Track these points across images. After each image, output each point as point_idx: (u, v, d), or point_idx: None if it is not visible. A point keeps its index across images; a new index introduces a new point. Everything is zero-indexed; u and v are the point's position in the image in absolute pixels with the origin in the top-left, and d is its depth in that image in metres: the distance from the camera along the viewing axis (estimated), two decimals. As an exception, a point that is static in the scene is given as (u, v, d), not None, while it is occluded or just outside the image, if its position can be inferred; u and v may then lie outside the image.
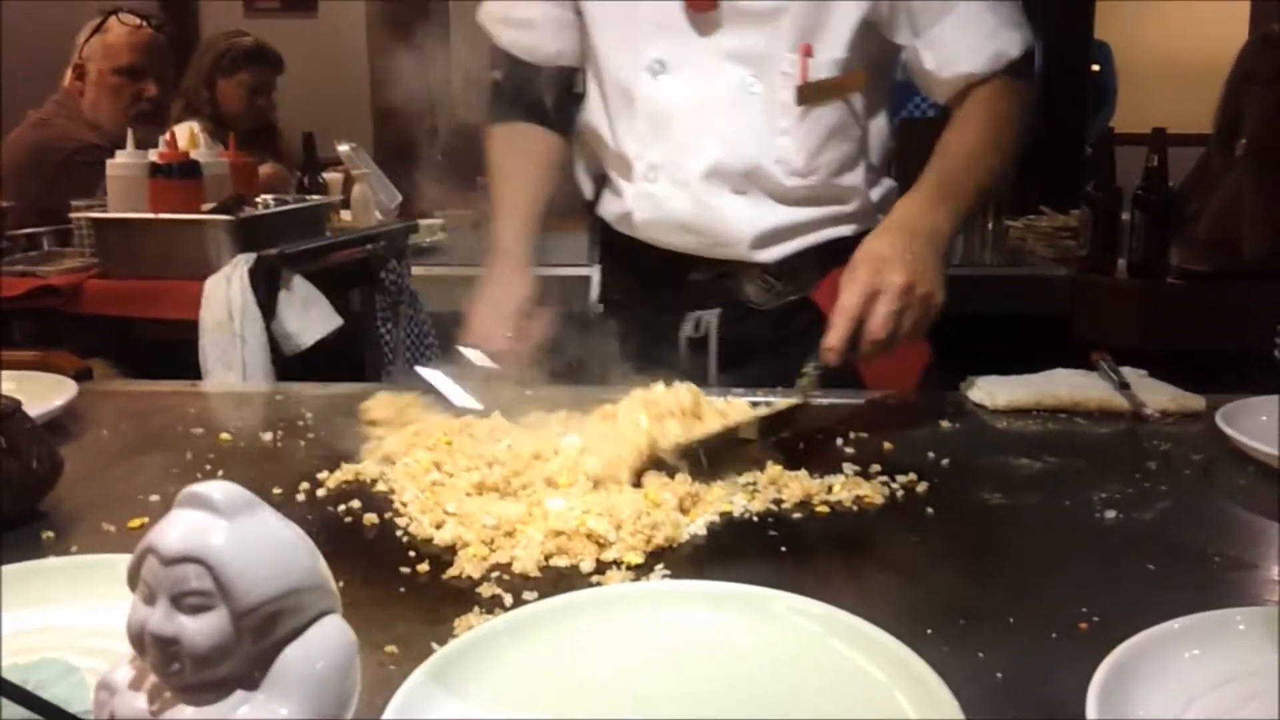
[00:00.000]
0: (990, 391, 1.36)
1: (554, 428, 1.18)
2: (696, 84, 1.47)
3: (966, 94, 1.47)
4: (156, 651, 0.53)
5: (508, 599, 0.84)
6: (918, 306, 1.24)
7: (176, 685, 0.54)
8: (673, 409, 1.12)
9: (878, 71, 1.52)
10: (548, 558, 0.91)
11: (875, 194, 1.56)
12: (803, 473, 1.09)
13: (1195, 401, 1.32)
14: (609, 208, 1.63)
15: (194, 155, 2.49)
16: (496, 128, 1.63)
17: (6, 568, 0.83)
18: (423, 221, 3.54)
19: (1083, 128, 4.18)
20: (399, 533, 0.98)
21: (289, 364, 2.35)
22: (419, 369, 1.34)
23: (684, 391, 1.16)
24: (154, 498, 1.06)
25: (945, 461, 1.15)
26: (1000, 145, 1.45)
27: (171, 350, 2.31)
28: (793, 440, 1.19)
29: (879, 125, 1.55)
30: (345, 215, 3.30)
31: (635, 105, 1.51)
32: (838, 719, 0.65)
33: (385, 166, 3.69)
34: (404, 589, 0.87)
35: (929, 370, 1.49)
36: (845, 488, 1.07)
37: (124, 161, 2.47)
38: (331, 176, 3.50)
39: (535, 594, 0.84)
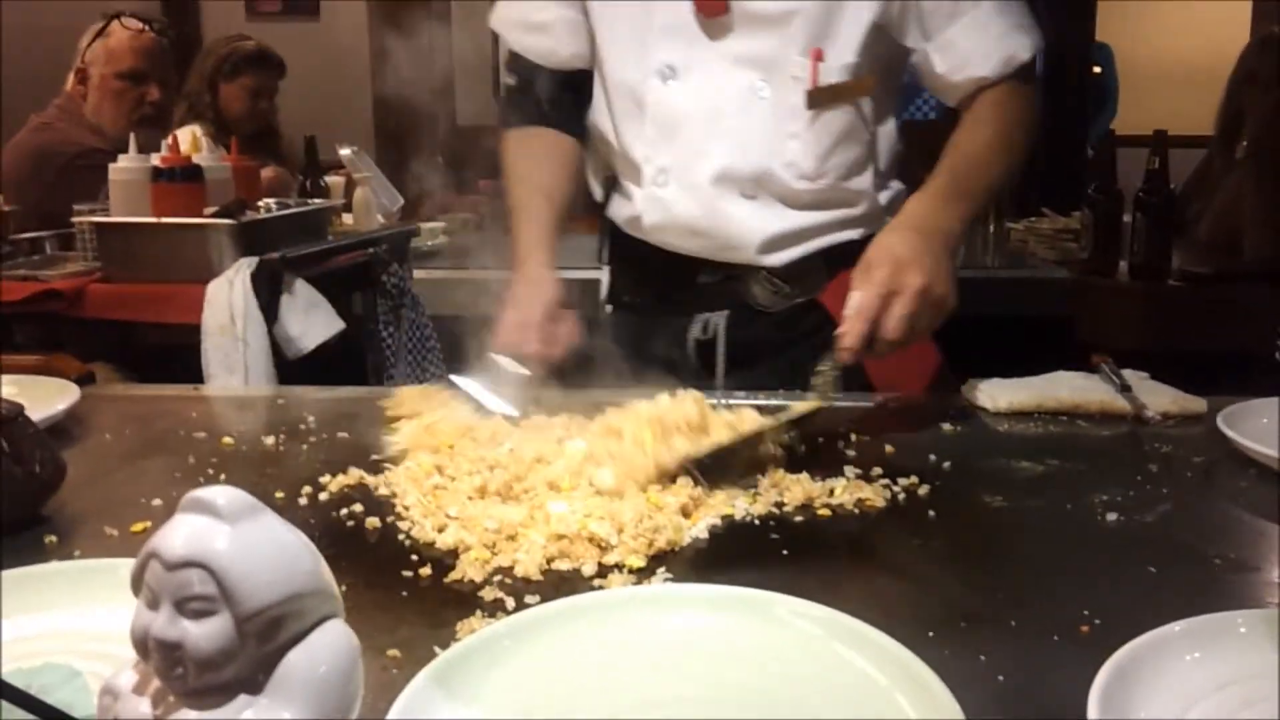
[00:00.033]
0: (992, 394, 1.36)
1: (556, 430, 1.18)
2: (706, 89, 1.47)
3: (975, 96, 1.48)
4: (160, 656, 0.53)
5: (510, 602, 0.84)
6: (932, 308, 1.25)
7: (180, 690, 0.54)
8: (679, 424, 1.11)
9: (886, 75, 1.52)
10: (549, 561, 0.91)
11: (883, 197, 1.56)
12: (804, 476, 1.09)
13: (1196, 404, 1.32)
14: (618, 210, 1.64)
15: (196, 159, 2.49)
16: (512, 133, 1.62)
17: (10, 572, 0.83)
18: (424, 225, 3.54)
19: (1084, 130, 4.18)
20: (401, 536, 0.99)
21: (291, 367, 2.35)
22: (454, 378, 1.32)
23: (689, 404, 1.14)
24: (156, 502, 1.06)
25: (947, 464, 1.15)
26: (1009, 148, 1.46)
27: (174, 354, 2.32)
28: (795, 443, 1.19)
29: (887, 129, 1.56)
30: (347, 219, 3.31)
31: (644, 110, 1.51)
32: (839, 722, 0.65)
33: (387, 170, 3.69)
34: (406, 593, 0.88)
35: (938, 373, 1.49)
36: (847, 491, 1.07)
37: (126, 165, 2.48)
38: (333, 180, 3.51)
39: (537, 597, 0.85)
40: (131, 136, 2.57)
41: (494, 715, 0.66)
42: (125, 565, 0.60)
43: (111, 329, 2.37)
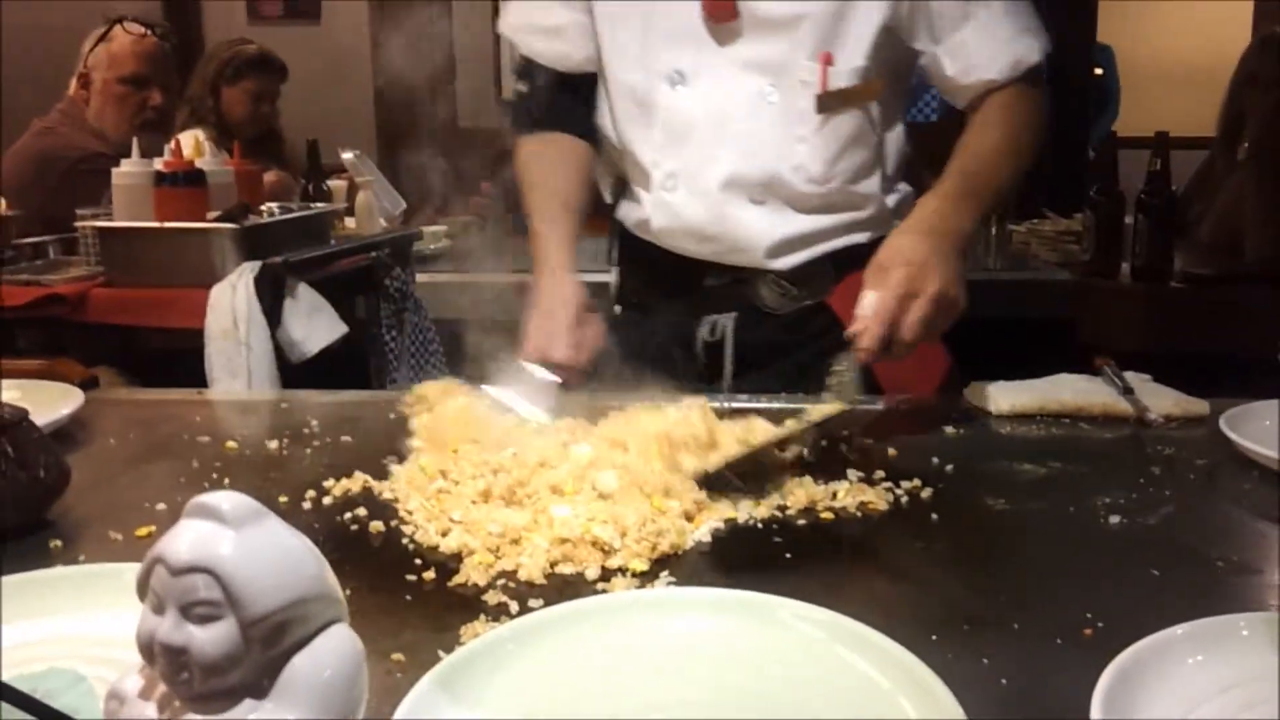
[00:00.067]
0: (994, 397, 1.37)
1: (561, 434, 1.18)
2: (714, 94, 1.47)
3: (983, 98, 1.48)
4: (165, 661, 0.53)
5: (513, 606, 0.85)
6: (946, 311, 1.25)
7: (185, 694, 0.54)
8: (687, 440, 1.10)
9: (895, 78, 1.52)
10: (553, 565, 0.92)
11: (891, 200, 1.56)
12: (807, 479, 1.09)
13: (1199, 406, 1.32)
14: (627, 212, 1.64)
15: (199, 164, 2.50)
16: (525, 139, 1.62)
17: (14, 577, 0.83)
18: (426, 228, 3.55)
19: (1085, 131, 4.19)
20: (405, 540, 0.99)
21: (294, 371, 2.36)
22: (486, 388, 1.30)
23: (696, 417, 1.13)
24: (161, 506, 1.06)
25: (949, 467, 1.16)
26: (1017, 151, 1.46)
27: (177, 358, 2.32)
28: (809, 448, 1.19)
29: (895, 132, 1.56)
30: (349, 222, 3.31)
31: (653, 115, 1.51)
32: (843, 725, 0.65)
33: (389, 173, 3.70)
34: (410, 597, 0.88)
35: (948, 376, 1.49)
36: (850, 494, 1.07)
37: (129, 170, 2.49)
38: (335, 184, 3.51)
39: (541, 601, 0.85)
40: (134, 141, 2.58)
41: (498, 719, 0.66)
42: (130, 569, 0.60)
43: (115, 333, 2.38)
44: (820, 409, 1.19)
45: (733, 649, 0.73)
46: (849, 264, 1.50)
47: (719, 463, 1.08)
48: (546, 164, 1.59)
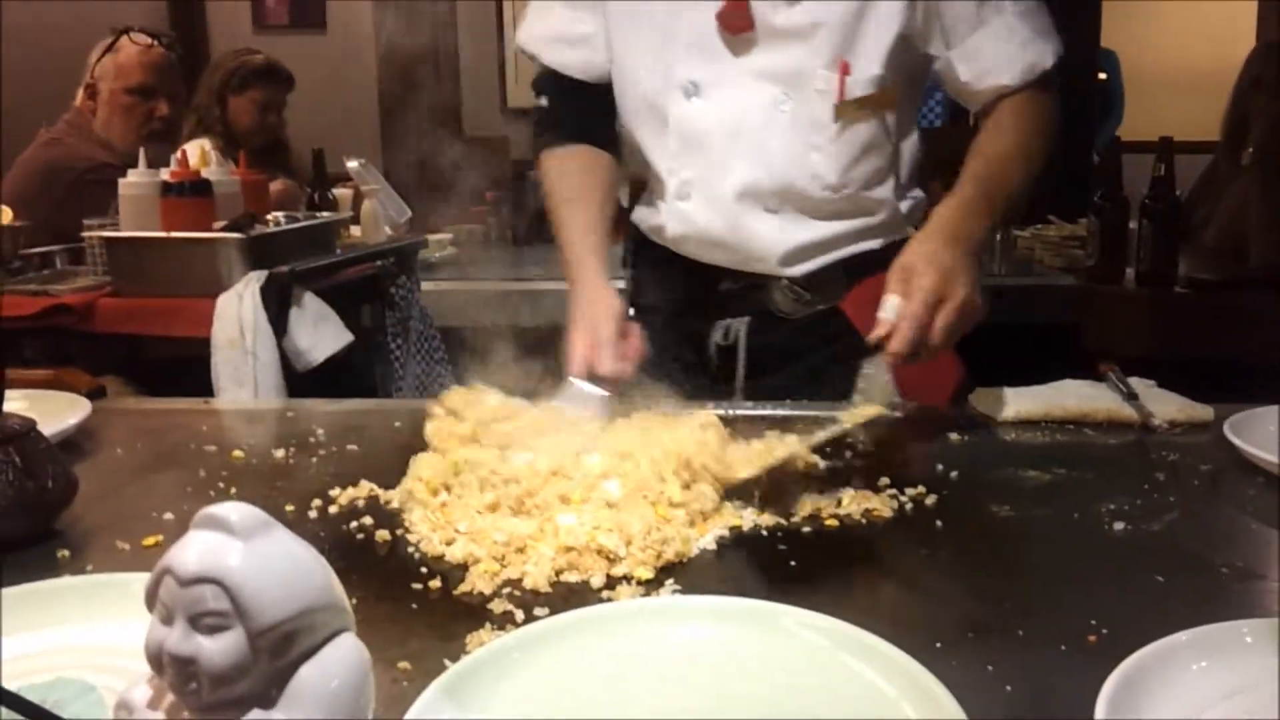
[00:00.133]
0: (999, 403, 1.37)
1: (576, 439, 1.15)
2: (729, 104, 1.48)
3: (995, 103, 1.49)
4: (174, 671, 0.54)
5: (519, 615, 0.85)
6: (970, 318, 1.25)
7: (194, 704, 0.55)
8: (706, 463, 1.07)
9: (909, 84, 1.53)
10: (558, 573, 0.92)
11: (904, 206, 1.57)
12: (812, 486, 1.09)
13: (1203, 412, 1.32)
14: (642, 216, 1.65)
15: (205, 173, 2.51)
16: (548, 153, 1.60)
17: (22, 587, 0.84)
18: (432, 237, 3.56)
19: (1090, 137, 4.19)
20: (410, 549, 0.99)
21: (300, 380, 2.36)
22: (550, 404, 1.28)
23: (713, 440, 1.11)
24: (168, 516, 1.07)
25: (954, 474, 1.16)
26: (1029, 156, 1.46)
27: (184, 368, 2.33)
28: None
29: (909, 138, 1.56)
30: (355, 231, 3.32)
31: (667, 125, 1.52)
32: (847, 733, 0.65)
33: (394, 182, 3.71)
34: (416, 605, 0.88)
35: (961, 384, 1.50)
36: (854, 501, 1.07)
37: (136, 180, 2.50)
38: (341, 192, 3.52)
39: (546, 610, 0.85)
40: (141, 151, 2.59)
41: (504, 727, 0.66)
42: (137, 579, 0.60)
43: (121, 343, 2.38)
44: (856, 413, 1.17)
45: (737, 657, 0.74)
46: (861, 270, 1.51)
47: (759, 470, 1.07)
48: (573, 177, 1.58)
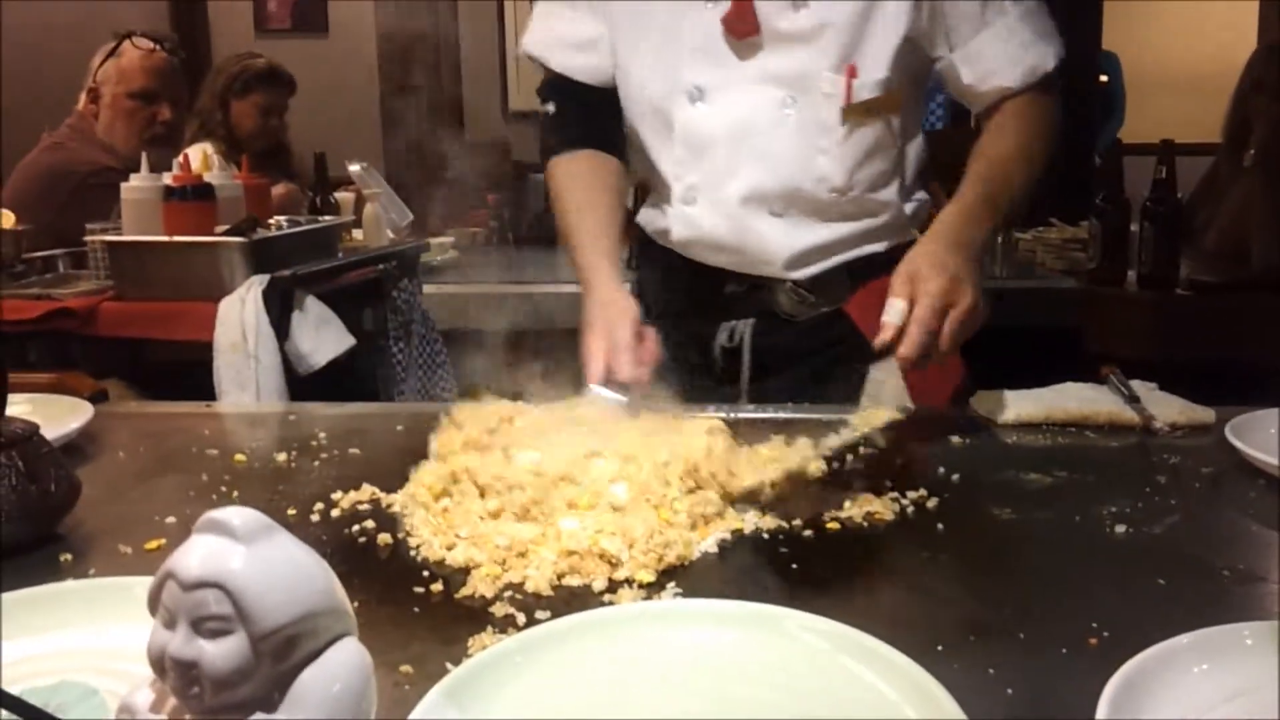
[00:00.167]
0: (1000, 406, 1.37)
1: (587, 441, 1.13)
2: (735, 109, 1.48)
3: (997, 105, 1.49)
4: (177, 675, 0.54)
5: (520, 618, 0.85)
6: (975, 323, 1.26)
7: (196, 708, 0.55)
8: (715, 472, 1.07)
9: (914, 86, 1.53)
10: (560, 577, 0.92)
11: (909, 208, 1.57)
12: (813, 489, 1.10)
13: (1205, 414, 1.32)
14: (648, 219, 1.65)
15: (207, 177, 2.51)
16: (556, 159, 1.59)
17: (25, 591, 0.84)
18: (433, 240, 3.56)
19: (1091, 139, 4.19)
20: (412, 552, 0.99)
21: (302, 384, 2.36)
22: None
23: (720, 448, 1.10)
24: (170, 519, 1.07)
25: (955, 477, 1.16)
26: (1031, 159, 1.47)
27: (186, 371, 2.33)
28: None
29: (914, 139, 1.57)
30: (357, 235, 3.33)
31: (673, 130, 1.52)
32: (849, 736, 0.66)
33: (396, 185, 3.72)
34: (418, 609, 0.88)
35: (962, 386, 1.50)
36: (856, 504, 1.07)
37: (138, 184, 2.50)
38: (343, 196, 3.53)
39: (548, 613, 0.85)
40: (143, 155, 2.59)
41: (506, 731, 0.66)
42: (140, 583, 0.60)
43: (124, 347, 2.39)
44: (868, 418, 1.16)
45: (739, 660, 0.74)
46: (866, 272, 1.51)
47: (768, 482, 1.06)
48: (582, 182, 1.56)
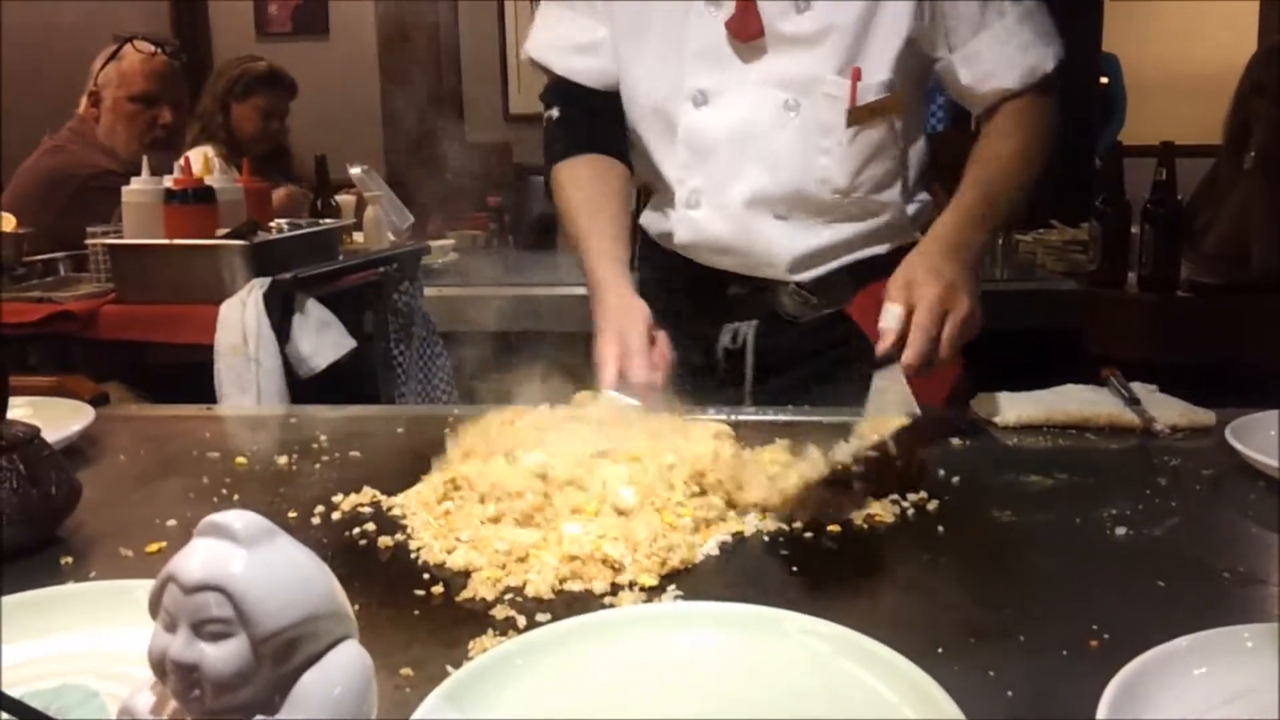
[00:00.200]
0: (1000, 408, 1.37)
1: (590, 439, 1.11)
2: (738, 112, 1.48)
3: (997, 106, 1.49)
4: (177, 678, 0.54)
5: (521, 621, 0.85)
6: (973, 328, 1.27)
7: (197, 711, 0.55)
8: (723, 480, 1.06)
9: (916, 88, 1.54)
10: (562, 581, 0.91)
11: (911, 209, 1.57)
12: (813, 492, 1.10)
13: (1205, 416, 1.32)
14: (651, 221, 1.66)
15: (208, 181, 2.51)
16: (560, 165, 1.58)
17: (26, 594, 0.84)
18: (434, 243, 3.56)
19: (1091, 141, 4.19)
20: (413, 555, 0.99)
21: (303, 386, 2.37)
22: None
23: (727, 452, 1.10)
24: (171, 522, 1.07)
25: (955, 479, 1.16)
26: (1030, 162, 1.47)
27: (187, 374, 2.33)
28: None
29: (916, 140, 1.57)
30: (358, 237, 3.33)
31: (676, 134, 1.52)
32: (849, 739, 0.66)
33: (396, 188, 3.72)
34: (418, 611, 0.88)
35: (955, 387, 1.50)
36: (856, 506, 1.07)
37: (139, 188, 2.50)
38: (344, 199, 3.53)
39: (548, 615, 0.85)
40: (144, 159, 2.60)
41: (506, 734, 0.66)
42: (141, 586, 0.61)
43: (125, 350, 2.39)
44: (881, 425, 1.14)
45: (740, 663, 0.74)
46: (868, 274, 1.51)
47: (799, 487, 1.06)
48: (588, 187, 1.56)
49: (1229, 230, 3.09)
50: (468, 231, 3.98)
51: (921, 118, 1.62)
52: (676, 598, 0.89)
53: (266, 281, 2.36)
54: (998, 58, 1.47)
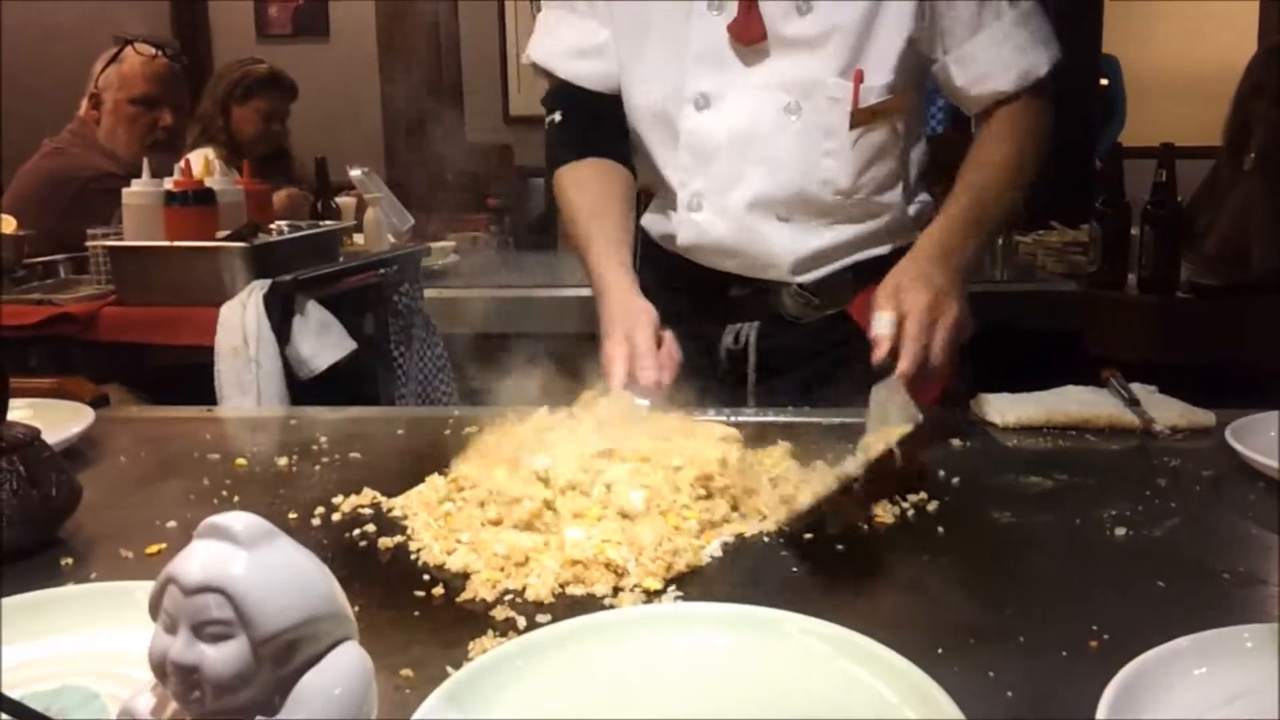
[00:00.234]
0: (1000, 409, 1.37)
1: (599, 441, 1.10)
2: (740, 115, 1.48)
3: (993, 108, 1.50)
4: (178, 679, 0.54)
5: (521, 622, 0.85)
6: (962, 335, 1.28)
7: (197, 713, 0.55)
8: (727, 486, 1.06)
9: (917, 88, 1.54)
10: (563, 586, 0.91)
11: (912, 210, 1.58)
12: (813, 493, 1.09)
13: (1205, 417, 1.32)
14: (652, 223, 1.66)
15: (208, 183, 2.52)
16: (564, 169, 1.58)
17: (27, 595, 0.84)
18: (434, 244, 3.56)
19: (1092, 142, 4.19)
20: (413, 556, 0.99)
21: (303, 388, 2.37)
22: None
23: (734, 456, 1.09)
24: (171, 524, 1.07)
25: (955, 480, 1.16)
26: (1024, 167, 1.48)
27: (187, 376, 2.33)
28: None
29: (917, 141, 1.58)
30: (358, 239, 3.33)
31: (678, 137, 1.52)
32: (849, 739, 0.66)
33: (397, 190, 3.72)
34: (419, 612, 0.88)
35: (948, 386, 1.50)
36: (856, 507, 1.07)
37: (139, 190, 2.50)
38: (344, 201, 3.53)
39: (549, 616, 0.85)
40: (145, 161, 2.60)
41: (506, 735, 0.66)
42: (141, 587, 0.61)
43: (125, 352, 2.39)
44: (887, 434, 1.12)
45: (740, 664, 0.74)
46: (870, 274, 1.52)
47: (810, 503, 1.04)
48: (592, 191, 1.55)
49: (1229, 232, 3.09)
50: (468, 233, 3.98)
51: (922, 118, 1.62)
52: (677, 598, 0.89)
53: (267, 283, 2.36)
54: (992, 60, 1.47)
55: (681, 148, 1.52)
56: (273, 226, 2.68)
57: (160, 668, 0.55)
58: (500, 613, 0.86)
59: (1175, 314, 2.88)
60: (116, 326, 2.40)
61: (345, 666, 0.57)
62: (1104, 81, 4.97)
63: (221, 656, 0.53)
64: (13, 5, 4.76)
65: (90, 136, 3.21)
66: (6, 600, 0.82)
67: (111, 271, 2.53)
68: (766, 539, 1.02)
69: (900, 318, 1.23)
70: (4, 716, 0.57)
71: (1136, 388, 1.40)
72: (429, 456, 1.25)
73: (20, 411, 1.27)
